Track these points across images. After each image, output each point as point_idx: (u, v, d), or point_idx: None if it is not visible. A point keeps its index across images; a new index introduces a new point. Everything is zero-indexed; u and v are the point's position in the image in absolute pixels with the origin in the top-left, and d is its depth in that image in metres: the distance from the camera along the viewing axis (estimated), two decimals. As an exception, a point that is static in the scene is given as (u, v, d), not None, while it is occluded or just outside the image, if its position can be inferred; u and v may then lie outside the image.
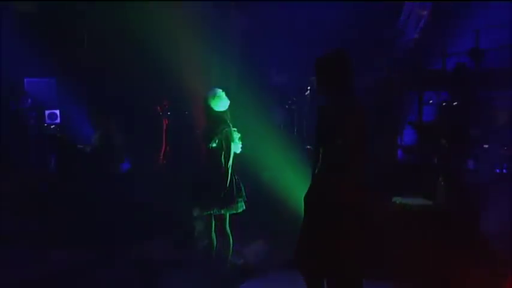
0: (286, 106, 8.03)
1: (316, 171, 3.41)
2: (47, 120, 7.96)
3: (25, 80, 8.57)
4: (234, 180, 4.65)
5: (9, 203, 6.79)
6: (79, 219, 6.17)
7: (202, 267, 4.90)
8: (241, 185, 4.72)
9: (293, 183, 5.57)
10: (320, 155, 3.39)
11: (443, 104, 6.39)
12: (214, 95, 4.65)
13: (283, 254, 5.02)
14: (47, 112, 7.96)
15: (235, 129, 4.70)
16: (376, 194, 4.84)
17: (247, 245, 5.46)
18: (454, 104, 6.10)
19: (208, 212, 4.63)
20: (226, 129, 4.58)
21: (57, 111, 8.02)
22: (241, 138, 4.72)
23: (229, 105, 4.72)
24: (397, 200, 5.31)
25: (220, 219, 4.71)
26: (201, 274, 4.82)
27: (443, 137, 5.76)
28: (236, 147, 4.69)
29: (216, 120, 4.64)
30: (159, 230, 6.05)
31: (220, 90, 4.69)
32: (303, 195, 3.48)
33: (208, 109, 4.65)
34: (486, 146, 5.96)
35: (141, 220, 5.98)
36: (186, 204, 5.02)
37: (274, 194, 6.02)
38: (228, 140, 4.59)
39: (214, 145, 4.57)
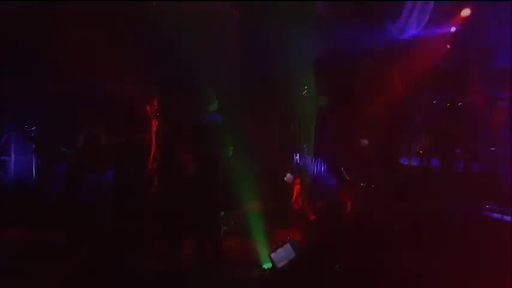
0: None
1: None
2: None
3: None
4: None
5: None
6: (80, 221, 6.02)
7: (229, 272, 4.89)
8: (234, 187, 4.77)
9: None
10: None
11: (448, 104, 6.28)
12: (207, 96, 4.79)
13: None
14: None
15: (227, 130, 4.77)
16: (380, 197, 4.89)
17: (275, 250, 5.31)
18: (459, 104, 6.03)
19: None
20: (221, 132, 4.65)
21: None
22: (232, 141, 4.70)
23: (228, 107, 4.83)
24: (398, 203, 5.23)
25: None
26: (228, 279, 4.77)
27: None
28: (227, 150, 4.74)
29: (209, 122, 4.70)
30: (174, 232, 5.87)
31: (211, 89, 4.84)
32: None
33: (201, 110, 4.76)
34: (493, 148, 5.86)
35: (151, 223, 5.90)
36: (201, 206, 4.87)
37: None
38: (223, 142, 4.64)
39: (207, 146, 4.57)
